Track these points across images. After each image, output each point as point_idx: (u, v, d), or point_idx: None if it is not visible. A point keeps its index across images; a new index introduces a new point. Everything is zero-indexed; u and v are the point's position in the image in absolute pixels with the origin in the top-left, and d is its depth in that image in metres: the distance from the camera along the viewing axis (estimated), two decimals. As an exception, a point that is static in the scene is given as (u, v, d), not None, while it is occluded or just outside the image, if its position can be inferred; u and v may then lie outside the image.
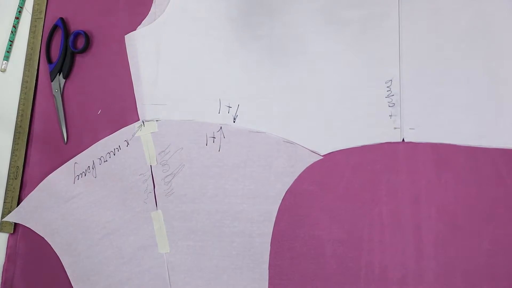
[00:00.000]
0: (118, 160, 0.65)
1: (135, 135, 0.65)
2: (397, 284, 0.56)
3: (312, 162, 0.60)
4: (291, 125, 0.61)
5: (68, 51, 0.68)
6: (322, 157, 0.59)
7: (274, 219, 0.60)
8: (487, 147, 0.55)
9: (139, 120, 0.65)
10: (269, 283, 0.59)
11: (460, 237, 0.55)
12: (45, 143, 0.68)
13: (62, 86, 0.69)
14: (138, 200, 0.64)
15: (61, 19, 0.69)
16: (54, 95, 0.68)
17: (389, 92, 0.58)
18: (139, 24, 0.67)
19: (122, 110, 0.66)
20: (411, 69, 0.58)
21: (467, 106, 0.56)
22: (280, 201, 0.60)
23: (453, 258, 0.55)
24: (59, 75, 0.68)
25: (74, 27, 0.70)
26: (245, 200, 0.60)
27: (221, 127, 0.62)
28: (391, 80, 0.58)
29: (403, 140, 0.58)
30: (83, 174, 0.66)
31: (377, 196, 0.58)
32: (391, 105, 0.58)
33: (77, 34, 0.69)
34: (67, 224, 0.65)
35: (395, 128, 0.58)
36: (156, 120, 0.64)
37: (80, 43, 0.69)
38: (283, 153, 0.60)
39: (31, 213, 0.66)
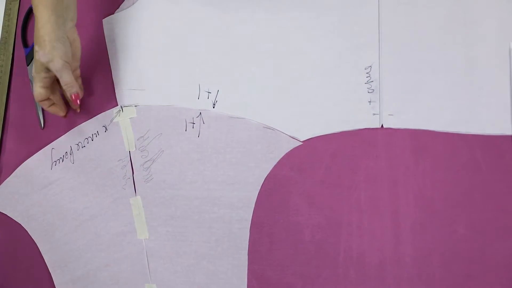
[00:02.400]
0: (96, 145, 0.64)
1: (114, 120, 0.64)
2: (375, 268, 0.56)
3: (291, 148, 0.59)
4: (271, 111, 0.60)
5: (44, 34, 0.67)
6: (301, 143, 0.59)
7: (253, 205, 0.60)
8: (465, 133, 0.56)
9: (117, 105, 0.64)
10: (248, 269, 0.59)
11: (437, 222, 0.55)
12: (21, 128, 0.67)
13: (38, 71, 0.67)
14: (116, 186, 0.63)
15: (37, 1, 0.68)
16: (30, 79, 0.67)
17: (369, 78, 0.58)
18: (117, 7, 0.66)
19: (100, 96, 0.65)
20: (390, 55, 0.58)
21: (446, 93, 0.57)
22: (259, 187, 0.60)
23: (430, 243, 0.55)
24: (35, 59, 0.67)
25: (50, 10, 0.68)
26: (224, 186, 0.60)
27: (200, 113, 0.61)
28: (370, 66, 0.58)
29: (382, 126, 0.58)
30: (61, 160, 0.65)
31: (356, 181, 0.58)
32: (370, 91, 0.58)
33: (53, 17, 0.67)
34: (44, 211, 0.65)
35: (374, 114, 0.58)
36: (135, 106, 0.63)
37: (57, 26, 0.68)
38: (263, 139, 0.60)
39: (7, 199, 0.66)
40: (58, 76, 0.57)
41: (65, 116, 0.64)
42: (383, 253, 0.56)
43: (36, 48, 0.55)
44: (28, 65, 0.67)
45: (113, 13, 0.66)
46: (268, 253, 0.59)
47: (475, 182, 0.55)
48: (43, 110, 0.67)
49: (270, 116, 0.60)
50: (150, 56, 0.64)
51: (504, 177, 0.54)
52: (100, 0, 0.67)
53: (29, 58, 0.67)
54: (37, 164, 0.65)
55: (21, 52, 0.68)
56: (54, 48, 0.55)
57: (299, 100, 0.60)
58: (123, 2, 0.65)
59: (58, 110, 0.63)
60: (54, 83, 0.60)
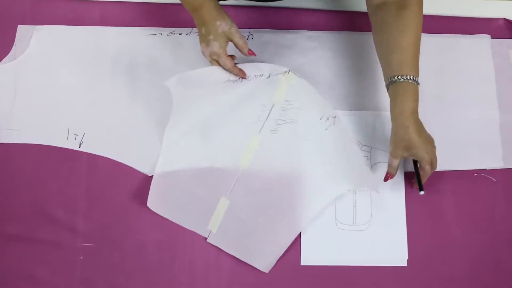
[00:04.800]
0: (252, 82, 0.76)
1: (277, 75, 0.77)
2: (202, 272, 0.73)
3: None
4: (126, 151, 0.77)
5: None
6: (150, 177, 0.76)
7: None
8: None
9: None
10: (102, 278, 0.73)
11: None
12: None
13: None
14: (249, 118, 0.76)
15: None
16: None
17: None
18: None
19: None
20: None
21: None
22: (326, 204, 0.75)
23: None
24: None
25: None
26: (310, 187, 0.74)
27: (335, 116, 0.76)
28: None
29: (211, 165, 0.77)
30: (233, 81, 0.76)
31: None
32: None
33: None
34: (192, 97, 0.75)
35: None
36: (299, 77, 0.77)
37: None
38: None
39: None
40: (236, 39, 0.72)
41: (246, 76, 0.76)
42: (208, 262, 0.74)
43: (217, 23, 0.69)
44: None
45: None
46: (119, 264, 0.74)
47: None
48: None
49: (127, 156, 0.76)
50: (27, 103, 0.77)
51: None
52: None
53: None
54: (214, 73, 0.76)
55: None
56: (229, 17, 0.71)
57: (149, 144, 0.77)
58: (5, 58, 0.78)
59: (241, 72, 0.75)
60: None
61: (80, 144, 0.76)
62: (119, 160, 0.76)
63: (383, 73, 0.69)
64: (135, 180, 0.76)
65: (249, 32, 0.83)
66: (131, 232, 0.75)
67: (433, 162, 0.69)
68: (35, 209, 0.74)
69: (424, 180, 0.70)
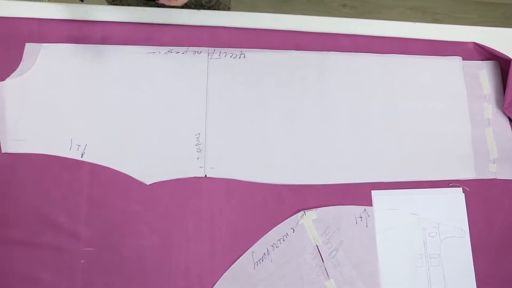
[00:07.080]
0: (288, 244, 0.81)
1: (299, 223, 0.82)
2: (197, 277, 0.78)
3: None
4: (127, 162, 0.81)
5: None
6: (148, 185, 0.81)
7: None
8: (260, 182, 0.83)
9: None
10: (100, 281, 0.77)
11: (240, 244, 0.80)
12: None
13: None
14: (312, 274, 0.80)
15: None
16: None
17: (198, 141, 0.83)
18: (8, 76, 0.83)
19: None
20: (213, 125, 0.84)
21: (248, 153, 0.84)
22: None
23: (234, 258, 0.80)
24: None
25: None
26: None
27: (365, 209, 0.83)
28: (199, 133, 0.84)
29: (205, 175, 0.82)
30: (261, 260, 0.80)
31: (186, 214, 0.80)
32: (198, 151, 0.83)
33: (-51, 79, 0.82)
34: None
35: (200, 167, 0.82)
36: (315, 209, 0.82)
37: (-48, 86, 0.82)
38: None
39: None
40: None
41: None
42: (202, 267, 0.79)
43: None
44: None
45: (3, 80, 0.83)
46: (118, 268, 0.78)
47: (265, 216, 0.81)
48: None
49: (126, 166, 0.81)
50: (34, 115, 0.81)
51: (283, 214, 0.82)
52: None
53: None
54: (241, 268, 0.79)
55: None
56: None
57: (147, 155, 0.82)
58: (14, 73, 0.82)
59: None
60: None
61: (82, 154, 0.81)
62: (119, 170, 0.81)
63: None
64: (134, 188, 0.81)
65: (241, 52, 0.89)
66: (130, 237, 0.79)
67: None
68: (39, 215, 0.78)
69: None
